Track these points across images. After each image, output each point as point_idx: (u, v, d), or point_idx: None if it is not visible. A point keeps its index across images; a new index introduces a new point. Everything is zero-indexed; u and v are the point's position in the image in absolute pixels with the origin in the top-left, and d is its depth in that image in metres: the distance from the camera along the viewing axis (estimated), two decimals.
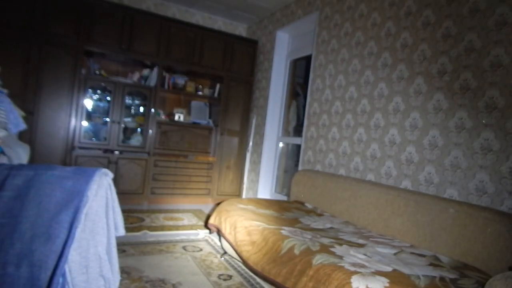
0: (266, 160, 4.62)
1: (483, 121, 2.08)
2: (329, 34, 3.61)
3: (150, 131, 4.33)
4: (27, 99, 3.58)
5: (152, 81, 4.36)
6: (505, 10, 2.04)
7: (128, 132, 4.42)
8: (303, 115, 3.94)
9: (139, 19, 4.14)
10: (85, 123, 4.09)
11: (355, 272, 1.48)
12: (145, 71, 4.47)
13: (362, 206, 2.62)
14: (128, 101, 4.40)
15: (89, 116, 4.19)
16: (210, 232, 3.31)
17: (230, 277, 2.35)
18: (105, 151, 4.11)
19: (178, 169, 4.50)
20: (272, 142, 4.65)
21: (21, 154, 1.88)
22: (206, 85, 4.94)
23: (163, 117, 4.58)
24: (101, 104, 4.31)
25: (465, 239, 1.88)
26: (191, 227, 3.50)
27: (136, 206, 4.11)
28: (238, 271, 2.45)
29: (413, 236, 2.18)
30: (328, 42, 3.61)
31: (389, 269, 1.59)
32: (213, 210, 4.20)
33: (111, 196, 1.37)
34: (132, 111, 4.51)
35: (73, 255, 1.22)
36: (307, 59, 4.18)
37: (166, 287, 2.08)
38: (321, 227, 2.43)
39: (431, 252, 2.01)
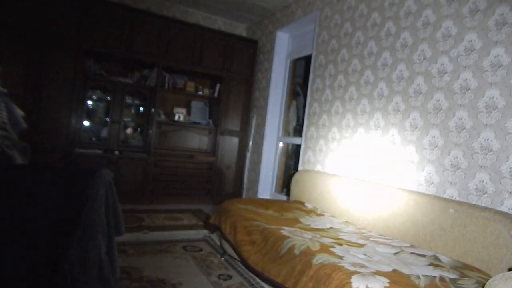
0: (266, 160, 4.62)
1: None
2: (329, 34, 3.61)
3: (150, 131, 4.33)
4: (27, 99, 3.58)
5: (152, 81, 4.36)
6: (505, 10, 2.04)
7: (128, 132, 4.42)
8: (303, 115, 3.94)
9: (139, 19, 4.14)
10: (85, 123, 4.09)
11: (355, 272, 1.48)
12: (145, 71, 4.47)
13: (362, 206, 2.63)
14: (128, 101, 4.40)
15: (89, 116, 4.19)
16: (210, 232, 3.32)
17: (230, 277, 2.35)
18: (105, 151, 4.11)
19: (178, 169, 4.50)
20: (272, 142, 4.65)
21: (21, 154, 1.88)
22: (206, 85, 4.95)
23: (163, 117, 4.58)
24: (101, 104, 4.31)
25: (465, 239, 1.88)
26: (191, 227, 3.51)
27: (136, 206, 4.11)
28: (238, 271, 2.45)
29: (413, 236, 2.18)
30: (328, 42, 3.61)
31: (389, 269, 1.60)
32: (213, 210, 4.20)
33: (111, 196, 1.37)
34: (132, 111, 4.51)
35: (73, 255, 1.22)
36: (307, 59, 4.18)
37: (166, 287, 2.08)
38: (321, 227, 2.43)
39: (431, 252, 2.01)
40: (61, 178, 1.30)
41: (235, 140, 4.92)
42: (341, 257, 1.71)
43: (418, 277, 1.51)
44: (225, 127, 4.81)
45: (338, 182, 2.94)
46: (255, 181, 4.72)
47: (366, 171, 2.94)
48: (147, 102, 4.37)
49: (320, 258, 1.67)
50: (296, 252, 1.81)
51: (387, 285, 1.39)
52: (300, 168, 3.83)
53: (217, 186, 4.78)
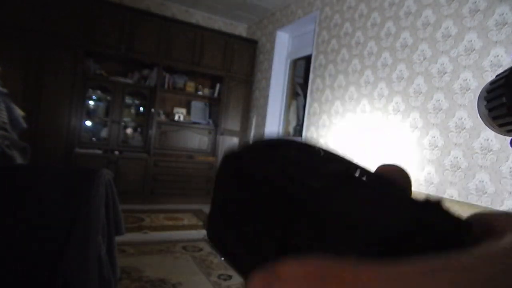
0: None
1: None
2: (329, 34, 3.61)
3: (150, 131, 4.33)
4: (27, 99, 3.58)
5: (152, 81, 4.36)
6: (505, 10, 2.04)
7: (128, 132, 4.42)
8: (303, 115, 3.94)
9: (139, 19, 4.14)
10: (85, 123, 4.09)
11: None
12: (145, 71, 4.47)
13: None
14: (128, 101, 4.40)
15: (89, 116, 4.20)
16: None
17: (230, 277, 2.35)
18: (105, 151, 4.11)
19: (178, 169, 4.50)
20: None
21: (21, 154, 1.88)
22: (206, 85, 4.94)
23: (163, 117, 4.58)
24: (101, 104, 4.31)
25: None
26: (191, 227, 3.51)
27: (136, 206, 4.10)
28: None
29: None
30: (328, 42, 3.61)
31: None
32: None
33: (111, 196, 1.37)
34: (132, 111, 4.51)
35: (73, 255, 1.22)
36: (307, 59, 4.18)
37: (166, 287, 2.08)
38: None
39: None
40: (61, 178, 1.30)
41: (235, 140, 4.92)
42: None
43: None
44: (225, 127, 4.81)
45: None
46: None
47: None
48: (147, 102, 4.37)
49: None
50: None
51: None
52: None
53: None
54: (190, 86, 4.74)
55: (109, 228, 1.37)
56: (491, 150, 2.03)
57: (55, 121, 3.76)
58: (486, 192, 2.03)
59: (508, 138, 0.46)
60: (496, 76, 0.41)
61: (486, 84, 0.42)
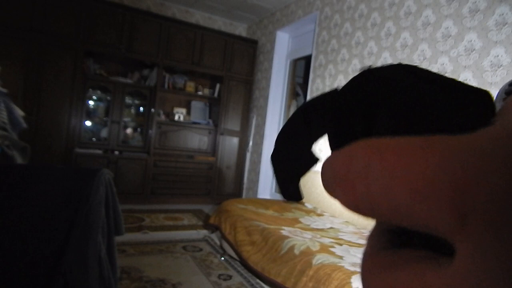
0: (266, 160, 4.62)
1: None
2: (329, 34, 3.61)
3: (150, 131, 4.33)
4: (27, 99, 3.58)
5: (152, 81, 4.36)
6: (505, 10, 2.04)
7: (128, 132, 4.42)
8: None
9: (139, 19, 4.14)
10: (85, 123, 4.09)
11: (355, 272, 1.48)
12: (145, 71, 4.47)
13: None
14: (128, 101, 4.40)
15: (89, 116, 4.19)
16: (210, 232, 3.32)
17: (230, 277, 2.35)
18: (105, 151, 4.11)
19: (178, 169, 4.49)
20: (272, 142, 4.63)
21: (21, 154, 1.88)
22: (206, 85, 4.94)
23: (163, 117, 4.57)
24: (101, 104, 4.31)
25: None
26: (191, 227, 3.51)
27: (136, 206, 4.11)
28: (238, 271, 2.45)
29: None
30: (328, 42, 3.61)
31: None
32: (213, 210, 4.20)
33: (111, 196, 1.37)
34: (132, 111, 4.51)
35: (73, 255, 1.22)
36: (307, 59, 4.18)
37: (166, 287, 2.08)
38: (321, 227, 2.43)
39: None
40: (61, 178, 1.30)
41: (235, 140, 4.92)
42: (341, 257, 1.71)
43: None
44: (225, 127, 4.81)
45: None
46: (255, 181, 4.71)
47: None
48: (147, 102, 4.37)
49: (320, 258, 1.67)
50: (296, 252, 1.81)
51: None
52: None
53: (217, 186, 4.78)
54: (190, 86, 4.74)
55: (109, 228, 1.37)
56: None
57: (55, 121, 3.76)
58: None
59: None
60: None
61: (504, 85, 0.41)
